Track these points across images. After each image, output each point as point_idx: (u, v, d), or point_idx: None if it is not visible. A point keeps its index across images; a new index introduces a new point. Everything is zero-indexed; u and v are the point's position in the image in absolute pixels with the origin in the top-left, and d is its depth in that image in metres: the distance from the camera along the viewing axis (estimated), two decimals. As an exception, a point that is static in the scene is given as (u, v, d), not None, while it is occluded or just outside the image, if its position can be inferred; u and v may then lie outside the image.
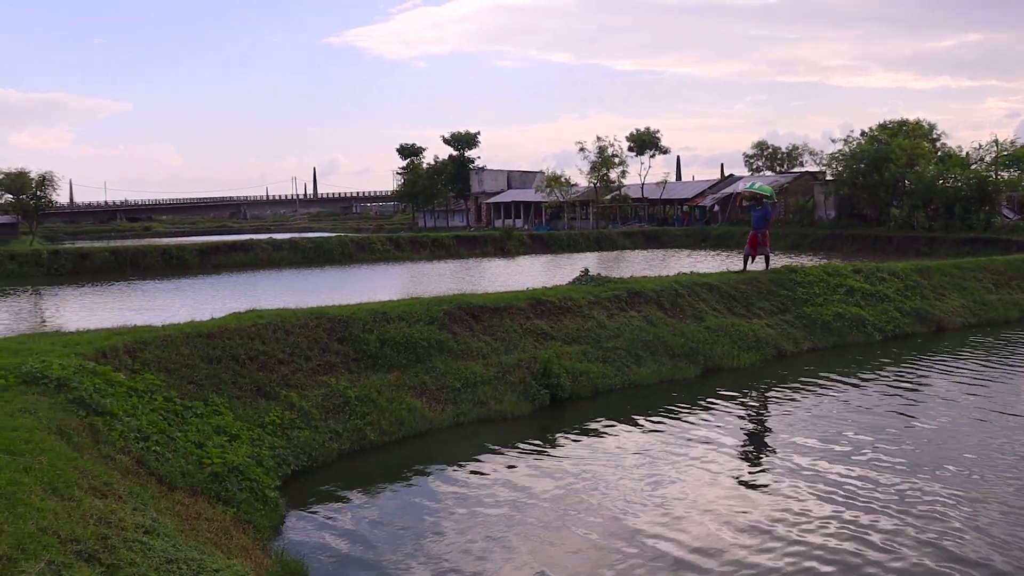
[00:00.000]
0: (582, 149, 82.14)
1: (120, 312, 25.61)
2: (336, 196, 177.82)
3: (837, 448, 11.35)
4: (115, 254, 47.81)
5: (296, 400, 11.77)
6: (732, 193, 74.64)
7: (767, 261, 21.79)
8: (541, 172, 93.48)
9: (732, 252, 51.69)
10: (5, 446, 6.75)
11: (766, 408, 13.74)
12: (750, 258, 21.83)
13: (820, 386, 15.10)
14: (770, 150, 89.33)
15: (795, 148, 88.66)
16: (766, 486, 9.93)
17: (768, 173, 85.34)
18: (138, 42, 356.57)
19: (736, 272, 21.04)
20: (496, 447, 11.80)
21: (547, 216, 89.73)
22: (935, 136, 63.57)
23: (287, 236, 61.22)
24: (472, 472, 10.77)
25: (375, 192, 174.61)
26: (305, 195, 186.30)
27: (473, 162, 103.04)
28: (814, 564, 7.89)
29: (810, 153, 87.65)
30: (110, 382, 9.73)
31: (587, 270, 20.20)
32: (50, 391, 8.80)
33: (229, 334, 12.57)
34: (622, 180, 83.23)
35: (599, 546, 8.34)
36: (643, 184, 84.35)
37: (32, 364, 9.43)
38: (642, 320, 17.03)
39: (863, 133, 62.16)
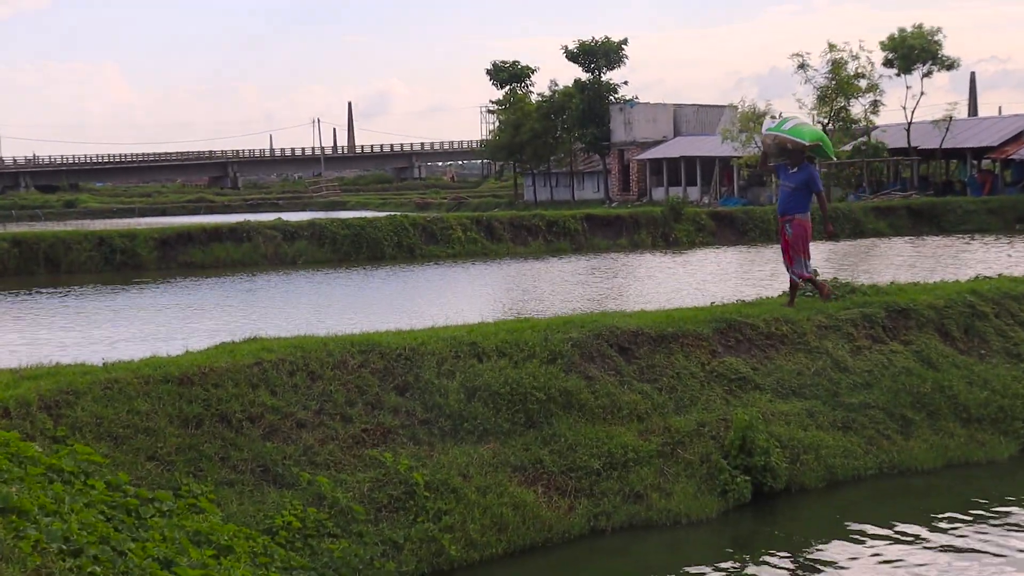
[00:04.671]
0: (802, 66, 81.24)
1: (31, 341, 26.28)
2: (387, 150, 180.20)
3: None
4: (18, 246, 49.10)
5: (327, 489, 11.83)
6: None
7: (814, 282, 18.71)
8: (731, 107, 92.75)
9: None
10: None
11: None
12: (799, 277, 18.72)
13: None
14: None
15: None
16: None
17: None
18: None
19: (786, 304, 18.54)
20: (663, 576, 11.67)
21: (741, 180, 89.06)
22: None
23: (306, 216, 62.08)
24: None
25: (451, 143, 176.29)
26: (335, 148, 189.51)
27: (616, 91, 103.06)
28: None
29: None
30: (17, 458, 9.86)
31: (815, 272, 19.92)
32: (-82, 471, 8.99)
33: (216, 379, 12.73)
34: (872, 117, 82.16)
35: None
36: (909, 124, 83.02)
37: None
38: (912, 358, 16.77)
39: None
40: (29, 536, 8.44)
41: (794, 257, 18.36)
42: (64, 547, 8.69)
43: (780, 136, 18.32)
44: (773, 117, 18.74)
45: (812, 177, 18.26)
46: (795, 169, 18.30)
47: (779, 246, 18.85)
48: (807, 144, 18.16)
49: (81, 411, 11.72)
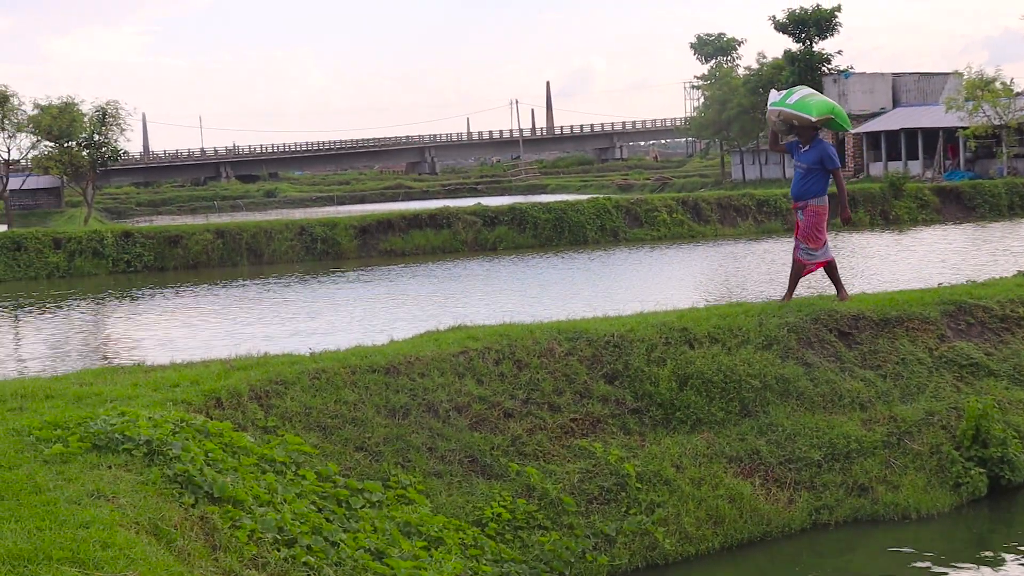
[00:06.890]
0: (1036, 27, 79.44)
1: (235, 332, 27.04)
2: (586, 130, 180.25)
3: None
4: (222, 236, 50.55)
5: (536, 480, 11.93)
6: None
7: (832, 275, 17.23)
8: (956, 74, 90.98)
9: None
10: (71, 554, 6.97)
11: None
12: (802, 270, 17.25)
13: None
14: None
15: None
16: None
17: None
18: None
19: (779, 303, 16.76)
20: None
21: (968, 153, 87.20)
22: None
23: (506, 200, 62.29)
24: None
25: (653, 121, 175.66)
26: (533, 130, 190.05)
27: (830, 61, 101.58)
28: None
29: None
30: (231, 448, 10.14)
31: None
32: (136, 462, 9.22)
33: (422, 368, 12.97)
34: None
35: None
36: None
37: (106, 418, 9.93)
38: None
39: None
40: (245, 526, 8.73)
41: (799, 244, 16.85)
42: (278, 537, 8.95)
43: (785, 111, 16.71)
44: (784, 96, 16.16)
45: (826, 154, 16.62)
46: (806, 147, 16.75)
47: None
48: (814, 120, 16.52)
49: (290, 401, 12.01)
